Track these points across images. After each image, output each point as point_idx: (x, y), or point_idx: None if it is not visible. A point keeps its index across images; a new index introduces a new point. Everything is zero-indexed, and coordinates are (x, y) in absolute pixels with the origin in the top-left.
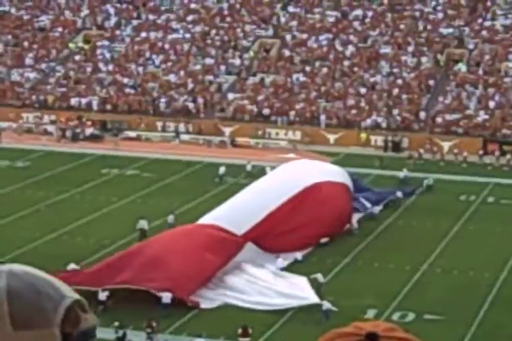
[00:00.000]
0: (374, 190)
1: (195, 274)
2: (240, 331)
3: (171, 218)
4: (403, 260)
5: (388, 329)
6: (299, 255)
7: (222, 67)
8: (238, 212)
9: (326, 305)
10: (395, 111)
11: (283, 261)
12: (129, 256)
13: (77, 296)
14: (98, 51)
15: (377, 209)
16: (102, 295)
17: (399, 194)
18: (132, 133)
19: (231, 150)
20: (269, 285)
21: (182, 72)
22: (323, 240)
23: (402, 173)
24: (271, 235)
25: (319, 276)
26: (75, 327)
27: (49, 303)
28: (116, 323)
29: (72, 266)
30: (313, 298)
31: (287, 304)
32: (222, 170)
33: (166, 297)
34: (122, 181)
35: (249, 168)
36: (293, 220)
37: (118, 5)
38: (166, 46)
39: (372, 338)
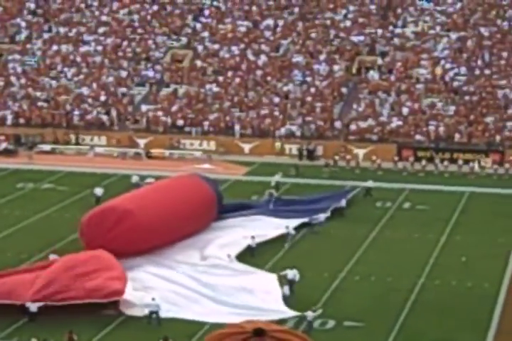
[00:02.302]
0: (318, 197)
1: None
2: None
3: None
4: (321, 267)
5: (267, 325)
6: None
7: (135, 79)
8: None
9: (310, 314)
10: (309, 120)
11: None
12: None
13: None
14: (10, 65)
15: (322, 216)
16: (33, 307)
17: (343, 202)
18: (46, 147)
19: (146, 161)
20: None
21: (95, 85)
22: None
23: (276, 177)
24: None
25: (286, 288)
26: None
27: None
28: (34, 339)
29: None
30: (288, 311)
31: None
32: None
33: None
34: (38, 195)
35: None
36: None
37: (29, 18)
38: (78, 59)
39: (260, 333)
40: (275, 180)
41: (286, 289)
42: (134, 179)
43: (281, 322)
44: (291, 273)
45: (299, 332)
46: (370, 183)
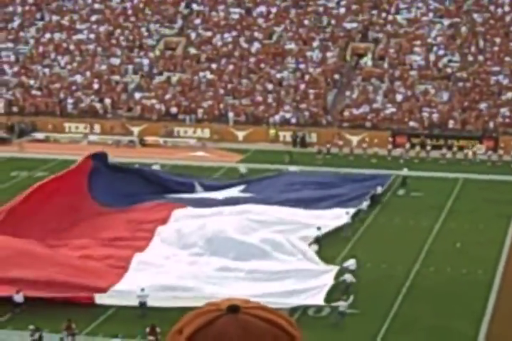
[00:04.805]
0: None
1: None
2: (147, 330)
3: None
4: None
5: (244, 302)
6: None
7: (128, 67)
8: None
9: (342, 304)
10: (303, 107)
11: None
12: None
13: None
14: (3, 53)
15: (365, 204)
16: (19, 297)
17: (379, 189)
18: (40, 135)
19: (140, 149)
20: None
21: (88, 73)
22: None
23: (242, 168)
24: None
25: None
26: None
27: None
28: (32, 326)
29: None
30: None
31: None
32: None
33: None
34: (32, 183)
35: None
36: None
37: (21, 6)
38: (71, 47)
39: (234, 310)
40: (241, 172)
41: (350, 277)
42: None
43: (316, 312)
44: (350, 263)
45: (278, 311)
46: (405, 171)
